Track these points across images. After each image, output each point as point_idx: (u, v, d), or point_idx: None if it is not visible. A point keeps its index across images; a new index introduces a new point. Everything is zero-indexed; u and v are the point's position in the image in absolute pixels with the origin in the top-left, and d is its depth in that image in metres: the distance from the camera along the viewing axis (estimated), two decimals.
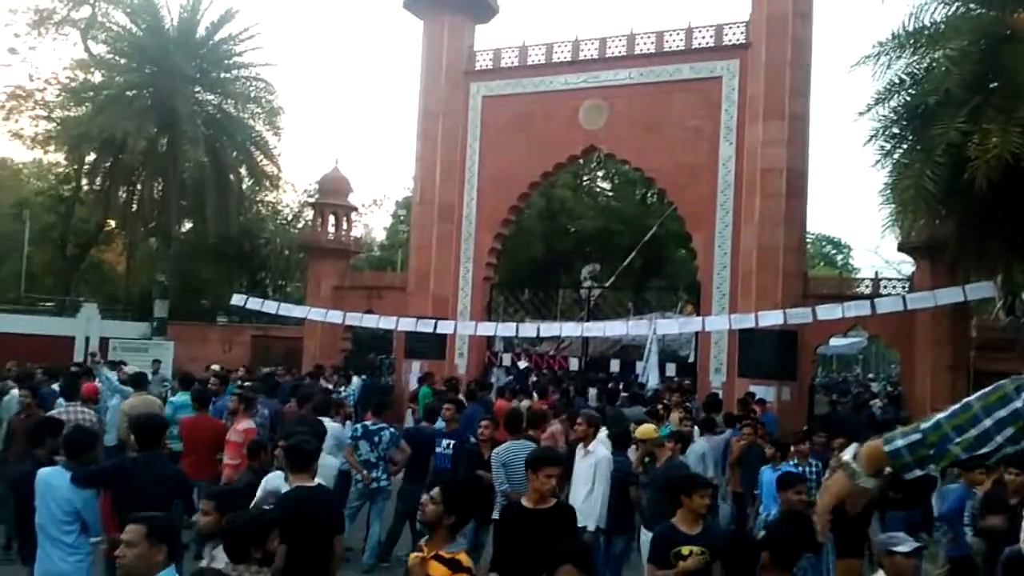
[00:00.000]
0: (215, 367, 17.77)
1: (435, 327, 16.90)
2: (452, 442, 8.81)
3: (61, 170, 30.64)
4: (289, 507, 4.77)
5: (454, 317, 19.18)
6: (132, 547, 3.35)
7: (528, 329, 17.51)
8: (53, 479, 5.44)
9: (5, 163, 37.01)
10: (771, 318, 14.96)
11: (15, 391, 9.98)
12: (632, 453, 8.17)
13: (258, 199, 31.77)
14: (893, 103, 12.89)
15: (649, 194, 32.06)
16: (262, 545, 3.83)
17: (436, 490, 4.36)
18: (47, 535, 5.37)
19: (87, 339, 21.28)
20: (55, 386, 10.40)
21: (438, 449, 8.77)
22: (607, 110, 18.83)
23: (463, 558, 4.19)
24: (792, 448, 8.47)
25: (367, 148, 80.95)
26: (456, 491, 4.34)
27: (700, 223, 18.03)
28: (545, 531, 4.79)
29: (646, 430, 7.87)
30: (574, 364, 20.28)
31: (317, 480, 5.40)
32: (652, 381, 14.66)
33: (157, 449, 6.03)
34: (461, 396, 12.39)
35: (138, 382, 10.60)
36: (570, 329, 18.24)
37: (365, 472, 8.55)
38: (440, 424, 9.41)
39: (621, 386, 17.46)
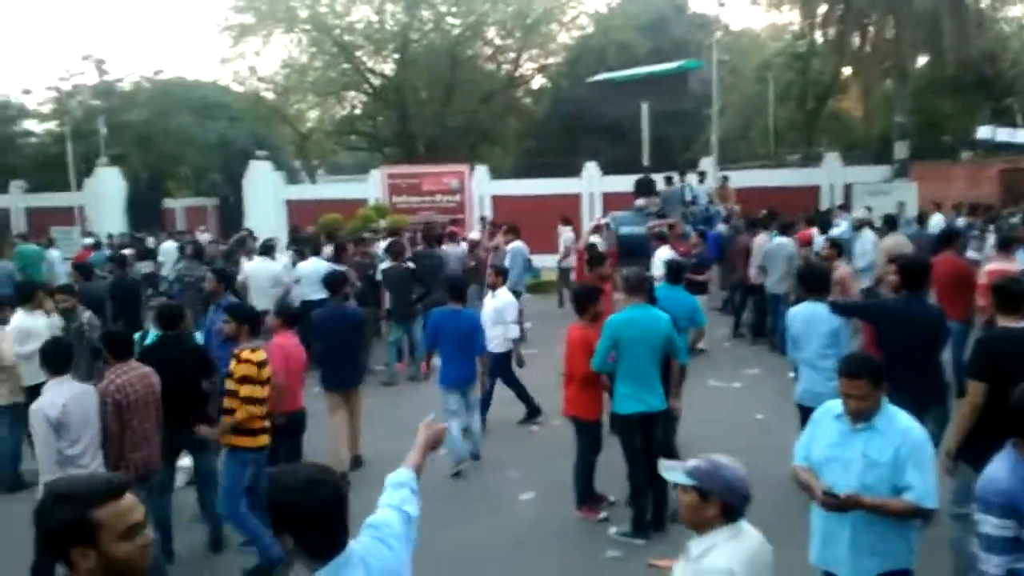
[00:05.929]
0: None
1: None
2: None
3: (795, 28, 32.26)
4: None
5: None
6: (864, 400, 3.82)
7: None
8: (814, 310, 6.28)
9: (745, 32, 40.52)
10: None
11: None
12: None
13: (999, 16, 28.42)
14: None
15: None
16: None
17: None
18: (807, 362, 6.29)
19: (831, 187, 22.60)
20: None
21: None
22: None
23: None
24: None
25: None
26: None
27: None
28: None
29: None
30: None
31: None
32: None
33: (922, 291, 6.24)
34: None
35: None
36: None
37: None
38: None
39: None
